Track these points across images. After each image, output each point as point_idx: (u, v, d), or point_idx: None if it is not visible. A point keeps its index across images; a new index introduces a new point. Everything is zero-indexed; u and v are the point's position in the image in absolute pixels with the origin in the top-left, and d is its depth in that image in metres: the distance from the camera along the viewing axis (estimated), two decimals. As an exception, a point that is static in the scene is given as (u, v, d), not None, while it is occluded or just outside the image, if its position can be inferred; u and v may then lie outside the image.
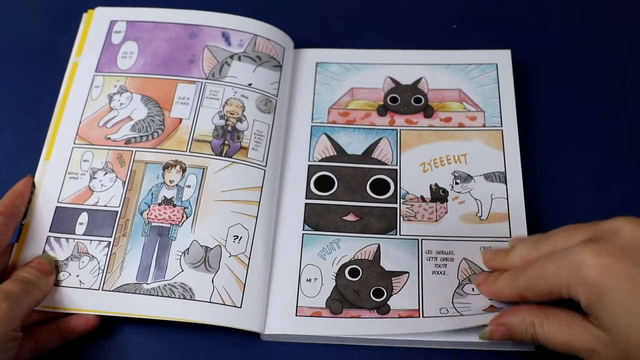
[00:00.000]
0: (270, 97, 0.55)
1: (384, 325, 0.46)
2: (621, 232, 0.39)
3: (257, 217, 0.50)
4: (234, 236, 0.49)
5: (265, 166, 0.52)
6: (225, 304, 0.46)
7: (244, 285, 0.47)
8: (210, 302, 0.46)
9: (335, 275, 0.49)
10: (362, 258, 0.49)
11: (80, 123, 0.53)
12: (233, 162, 0.52)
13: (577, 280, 0.39)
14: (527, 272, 0.42)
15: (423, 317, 0.46)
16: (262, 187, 0.51)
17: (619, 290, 0.37)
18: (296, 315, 0.47)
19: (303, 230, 0.50)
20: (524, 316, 0.42)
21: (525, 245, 0.45)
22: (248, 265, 0.48)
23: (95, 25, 0.58)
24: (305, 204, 0.52)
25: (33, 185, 0.50)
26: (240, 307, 0.46)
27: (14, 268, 0.47)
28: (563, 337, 0.40)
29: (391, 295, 0.47)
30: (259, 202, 0.50)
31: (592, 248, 0.38)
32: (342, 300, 0.47)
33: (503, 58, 0.57)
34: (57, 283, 0.47)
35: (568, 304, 0.41)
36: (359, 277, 0.48)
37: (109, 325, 0.48)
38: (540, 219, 0.51)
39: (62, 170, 0.52)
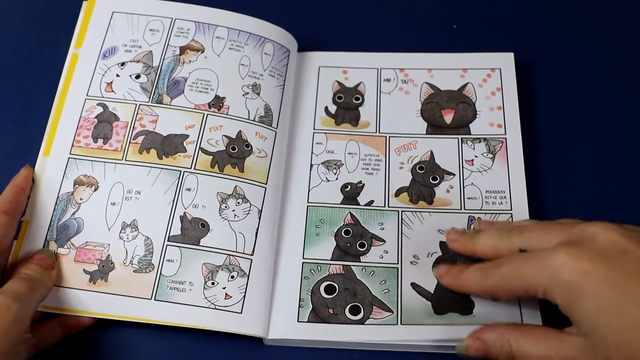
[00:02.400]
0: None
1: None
2: (598, 237, 0.39)
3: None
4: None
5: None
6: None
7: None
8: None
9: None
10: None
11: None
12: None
13: (555, 283, 0.39)
14: (500, 269, 0.42)
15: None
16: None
17: (597, 294, 0.37)
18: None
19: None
20: (500, 333, 0.42)
21: (494, 233, 0.45)
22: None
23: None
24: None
25: (32, 180, 0.50)
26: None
27: (13, 266, 0.47)
28: (540, 352, 0.40)
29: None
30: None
31: (570, 252, 0.39)
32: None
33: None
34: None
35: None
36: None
37: (109, 328, 0.48)
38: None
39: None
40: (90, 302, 0.47)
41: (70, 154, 0.51)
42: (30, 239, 0.48)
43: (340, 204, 0.52)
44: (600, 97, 0.58)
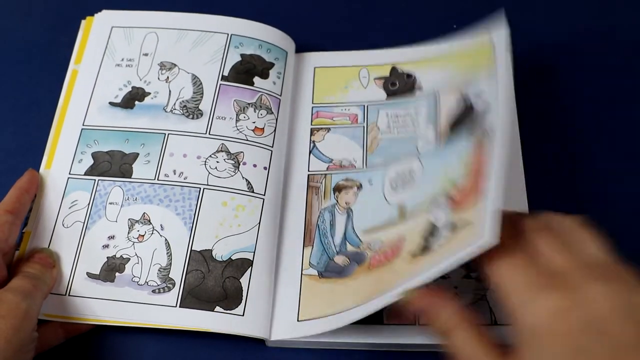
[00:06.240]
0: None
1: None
2: (595, 302, 0.34)
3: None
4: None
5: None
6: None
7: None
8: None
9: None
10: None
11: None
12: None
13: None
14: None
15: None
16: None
17: (551, 344, 0.34)
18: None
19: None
20: (453, 312, 0.39)
21: None
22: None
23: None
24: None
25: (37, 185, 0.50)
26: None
27: (15, 266, 0.47)
28: (469, 353, 0.37)
29: None
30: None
31: (558, 306, 0.34)
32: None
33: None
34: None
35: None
36: None
37: (110, 331, 0.48)
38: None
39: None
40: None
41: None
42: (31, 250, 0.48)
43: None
44: (600, 97, 0.58)
